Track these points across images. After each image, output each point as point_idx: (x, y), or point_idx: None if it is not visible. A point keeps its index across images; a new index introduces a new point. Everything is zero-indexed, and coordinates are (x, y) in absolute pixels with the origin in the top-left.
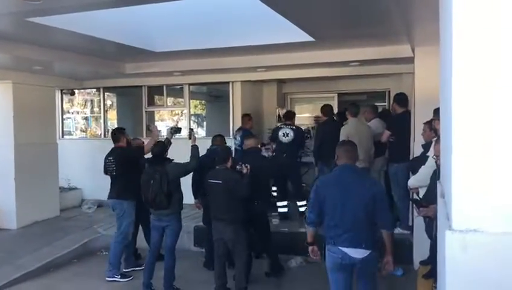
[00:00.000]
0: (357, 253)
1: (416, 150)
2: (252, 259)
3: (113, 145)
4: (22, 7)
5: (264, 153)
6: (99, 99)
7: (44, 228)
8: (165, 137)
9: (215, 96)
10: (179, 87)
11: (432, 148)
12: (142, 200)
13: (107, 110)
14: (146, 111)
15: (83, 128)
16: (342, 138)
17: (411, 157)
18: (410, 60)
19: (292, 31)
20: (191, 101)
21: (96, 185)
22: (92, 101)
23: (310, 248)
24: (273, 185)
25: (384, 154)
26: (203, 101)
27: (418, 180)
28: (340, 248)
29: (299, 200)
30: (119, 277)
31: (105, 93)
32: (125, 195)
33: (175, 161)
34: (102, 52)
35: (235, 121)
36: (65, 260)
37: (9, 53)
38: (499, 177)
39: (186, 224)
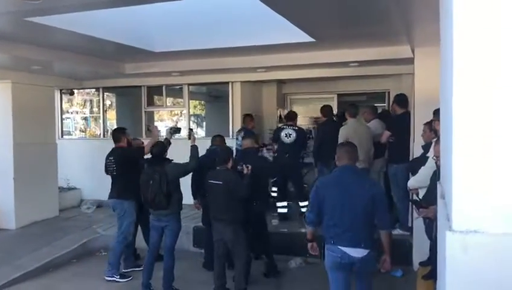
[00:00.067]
0: (356, 252)
1: (416, 150)
2: (251, 260)
3: (113, 145)
4: (21, 6)
5: (266, 154)
6: (99, 99)
7: (44, 228)
8: (164, 137)
9: (214, 97)
10: (178, 87)
11: (431, 149)
12: (142, 201)
13: (106, 110)
14: (145, 111)
15: (82, 128)
16: (340, 138)
17: (411, 158)
18: (410, 61)
19: (292, 31)
20: (190, 101)
21: (96, 185)
22: (91, 101)
23: (310, 245)
24: (273, 186)
25: (383, 155)
26: (202, 102)
27: (417, 181)
28: (339, 247)
29: (301, 201)
30: (118, 277)
31: (105, 93)
32: (126, 195)
33: (174, 161)
34: (102, 52)
35: (235, 121)
36: (64, 260)
37: (8, 53)
38: (499, 178)
39: (186, 224)
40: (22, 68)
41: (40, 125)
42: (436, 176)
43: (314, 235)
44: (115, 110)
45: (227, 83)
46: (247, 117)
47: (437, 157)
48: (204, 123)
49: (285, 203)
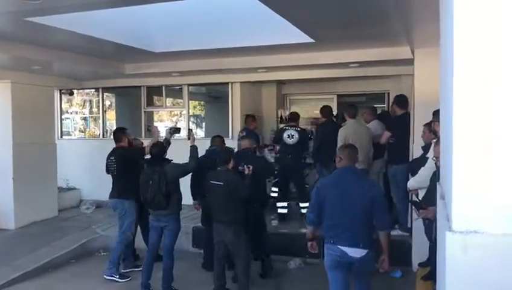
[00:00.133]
0: (356, 252)
1: (415, 151)
2: (251, 261)
3: (113, 145)
4: (21, 6)
5: (267, 155)
6: (98, 99)
7: (43, 228)
8: (164, 137)
9: (214, 97)
10: (178, 87)
11: (431, 150)
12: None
13: (105, 111)
14: (145, 111)
15: (82, 128)
16: (340, 139)
17: (410, 159)
18: (409, 62)
19: (292, 32)
20: (190, 101)
21: (95, 185)
22: (90, 101)
23: (309, 243)
24: (273, 186)
25: (383, 156)
26: (202, 102)
27: (417, 181)
28: (339, 246)
29: (302, 202)
30: (117, 276)
31: (104, 94)
32: (127, 195)
33: (174, 161)
34: (102, 52)
35: (234, 122)
36: (63, 260)
37: (7, 53)
38: (499, 178)
39: (185, 225)
40: (22, 68)
41: (39, 126)
42: (435, 177)
43: (314, 235)
44: (114, 110)
45: (227, 83)
46: (249, 118)
47: (437, 158)
48: (203, 124)
49: (285, 204)
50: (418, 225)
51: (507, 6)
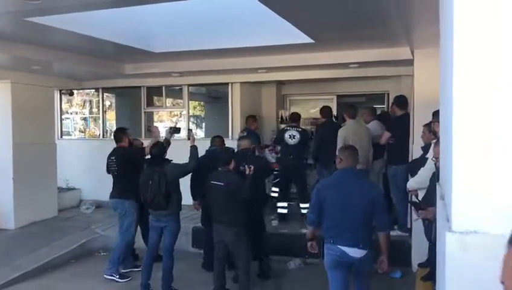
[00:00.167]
0: (355, 253)
1: (415, 152)
2: (251, 260)
3: (113, 145)
4: (21, 6)
5: (268, 155)
6: (98, 99)
7: (42, 228)
8: (164, 137)
9: (214, 98)
10: (178, 88)
11: (431, 150)
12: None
13: (105, 111)
14: (145, 112)
15: (82, 128)
16: (339, 139)
17: (410, 160)
18: (409, 62)
19: (291, 32)
20: (190, 102)
21: (95, 185)
22: (90, 101)
23: (309, 244)
24: (273, 186)
25: (382, 157)
26: (202, 102)
27: (417, 182)
28: (339, 246)
29: (302, 202)
30: (117, 276)
31: (104, 94)
32: (127, 195)
33: (174, 161)
34: (102, 52)
35: (234, 122)
36: (63, 260)
37: (7, 53)
38: (499, 178)
39: (185, 225)
40: (22, 68)
41: (39, 126)
42: (435, 178)
43: (314, 235)
44: (114, 110)
45: (227, 84)
46: (250, 118)
47: (436, 158)
48: (203, 124)
49: (285, 204)
50: (417, 226)
51: (506, 7)
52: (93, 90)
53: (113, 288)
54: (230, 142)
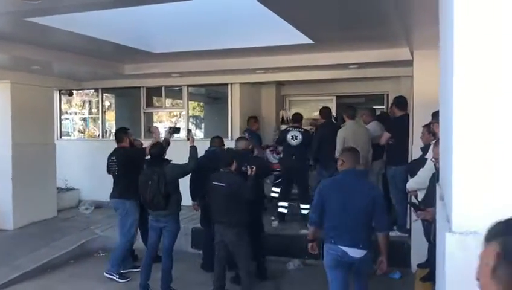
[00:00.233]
0: (356, 253)
1: (414, 153)
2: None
3: (113, 146)
4: (21, 7)
5: (270, 156)
6: (98, 100)
7: (42, 228)
8: (163, 137)
9: (213, 98)
10: (177, 88)
11: (430, 151)
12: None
13: (105, 111)
14: (144, 112)
15: (81, 129)
16: (339, 140)
17: (409, 160)
18: (408, 63)
19: (291, 33)
20: (189, 102)
21: (94, 186)
22: (90, 102)
23: (310, 245)
24: (273, 186)
25: (382, 157)
26: (201, 103)
27: (416, 182)
28: (340, 246)
29: (303, 203)
30: (117, 276)
31: (104, 94)
32: (128, 195)
33: (173, 162)
34: (101, 52)
35: (234, 122)
36: (62, 261)
37: (7, 53)
38: (499, 179)
39: (184, 225)
40: (21, 68)
41: (38, 126)
42: (435, 178)
43: (315, 236)
44: (113, 111)
45: (227, 84)
46: (251, 119)
47: (436, 159)
48: (203, 124)
49: (285, 204)
50: (417, 226)
51: (507, 8)
52: (93, 90)
53: (112, 288)
54: (230, 143)
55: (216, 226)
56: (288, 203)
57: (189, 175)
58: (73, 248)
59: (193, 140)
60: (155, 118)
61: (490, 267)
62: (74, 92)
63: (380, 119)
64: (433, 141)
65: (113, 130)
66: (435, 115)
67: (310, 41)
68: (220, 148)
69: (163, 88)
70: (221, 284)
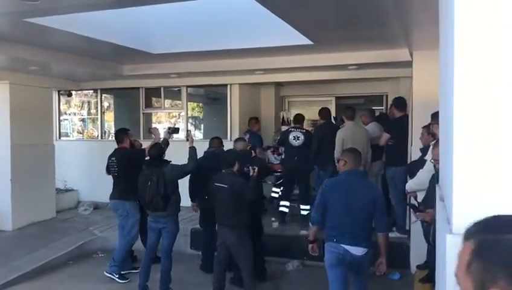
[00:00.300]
0: (357, 251)
1: (413, 153)
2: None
3: (112, 146)
4: (20, 7)
5: (271, 156)
6: (97, 100)
7: (40, 229)
8: (162, 138)
9: (212, 99)
10: (176, 89)
11: (429, 152)
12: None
13: (104, 112)
14: (143, 113)
15: (80, 129)
16: (337, 141)
17: (408, 161)
18: (408, 64)
19: (290, 34)
20: (188, 103)
21: (93, 186)
22: (89, 102)
23: (310, 246)
24: (274, 186)
25: (381, 158)
26: (200, 104)
27: (416, 183)
28: (341, 245)
29: (303, 204)
30: (117, 276)
31: (103, 95)
32: (128, 196)
33: (172, 162)
34: (100, 53)
35: (233, 123)
36: (61, 261)
37: (5, 53)
38: (500, 180)
39: (183, 226)
40: (20, 69)
41: (37, 127)
42: (434, 179)
43: (316, 237)
44: (112, 111)
45: (226, 85)
46: (252, 120)
47: (435, 160)
48: (202, 125)
49: (287, 203)
50: (416, 227)
51: (508, 8)
52: (92, 91)
53: (111, 289)
54: (229, 144)
55: (219, 228)
56: (290, 204)
57: (188, 176)
58: (72, 249)
59: (192, 141)
60: (154, 118)
61: (465, 263)
62: (73, 92)
63: (379, 120)
64: (433, 142)
65: (112, 131)
66: (435, 116)
67: (309, 42)
68: (219, 149)
69: (162, 89)
70: (220, 285)
